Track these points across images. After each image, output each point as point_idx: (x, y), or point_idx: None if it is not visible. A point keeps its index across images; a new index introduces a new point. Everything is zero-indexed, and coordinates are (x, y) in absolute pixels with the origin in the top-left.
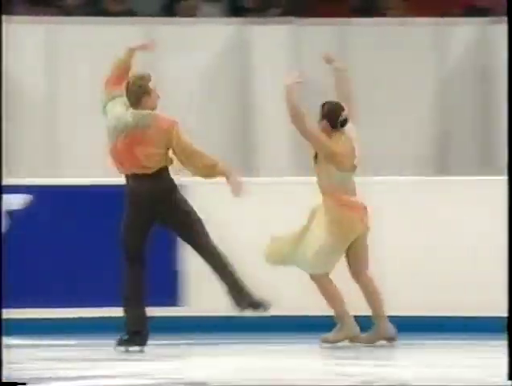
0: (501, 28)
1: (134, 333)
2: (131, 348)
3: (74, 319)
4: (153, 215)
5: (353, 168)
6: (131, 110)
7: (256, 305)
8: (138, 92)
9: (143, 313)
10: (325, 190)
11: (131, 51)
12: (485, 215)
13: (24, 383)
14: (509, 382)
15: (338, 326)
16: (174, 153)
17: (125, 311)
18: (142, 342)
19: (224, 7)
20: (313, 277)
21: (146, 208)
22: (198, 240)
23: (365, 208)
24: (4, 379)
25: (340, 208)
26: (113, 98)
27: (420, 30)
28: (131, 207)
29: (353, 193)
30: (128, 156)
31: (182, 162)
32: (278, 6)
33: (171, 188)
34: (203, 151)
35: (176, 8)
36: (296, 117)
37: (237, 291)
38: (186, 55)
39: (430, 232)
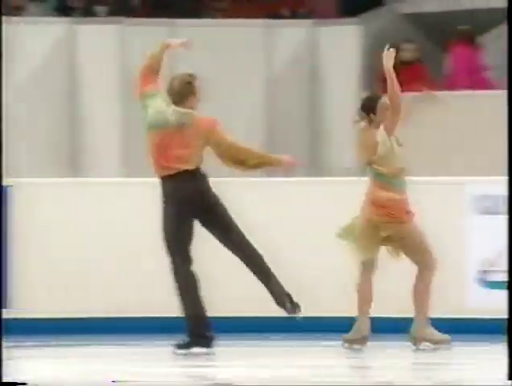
0: (327, 30)
1: (201, 335)
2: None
3: None
4: (194, 214)
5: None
6: (173, 107)
7: (293, 306)
8: (185, 91)
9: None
10: None
11: (165, 47)
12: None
13: (24, 384)
14: (510, 382)
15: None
16: (215, 150)
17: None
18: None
19: (50, 7)
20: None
21: (187, 207)
22: (234, 238)
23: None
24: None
25: None
26: (153, 95)
27: (248, 30)
28: (173, 207)
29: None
30: (166, 154)
31: (225, 159)
32: (105, 5)
33: (208, 188)
34: (243, 145)
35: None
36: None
37: (274, 289)
38: (15, 54)
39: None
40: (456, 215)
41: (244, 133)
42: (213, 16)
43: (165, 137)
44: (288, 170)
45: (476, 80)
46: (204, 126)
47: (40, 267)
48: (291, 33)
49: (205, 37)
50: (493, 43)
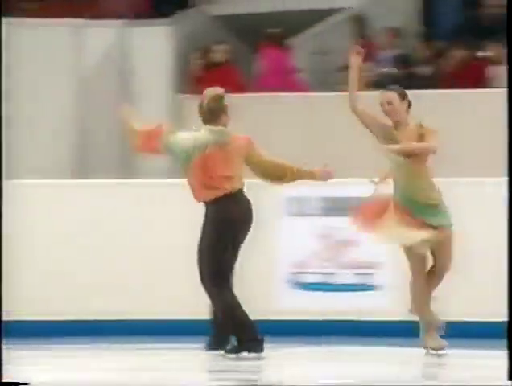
0: (138, 31)
1: (253, 340)
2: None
3: None
4: (236, 234)
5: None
6: (205, 128)
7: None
8: (217, 109)
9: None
10: None
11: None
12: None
13: (26, 384)
14: (510, 382)
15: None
16: (253, 168)
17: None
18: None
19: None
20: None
21: (232, 229)
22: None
23: None
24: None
25: None
26: (171, 136)
27: (57, 30)
28: (219, 229)
29: None
30: (210, 174)
31: (263, 176)
32: None
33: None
34: (279, 161)
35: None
36: None
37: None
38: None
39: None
40: (269, 216)
41: (53, 133)
42: (21, 16)
43: (207, 159)
44: (326, 180)
45: (285, 81)
46: (243, 144)
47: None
48: (101, 33)
49: (12, 37)
50: (303, 45)
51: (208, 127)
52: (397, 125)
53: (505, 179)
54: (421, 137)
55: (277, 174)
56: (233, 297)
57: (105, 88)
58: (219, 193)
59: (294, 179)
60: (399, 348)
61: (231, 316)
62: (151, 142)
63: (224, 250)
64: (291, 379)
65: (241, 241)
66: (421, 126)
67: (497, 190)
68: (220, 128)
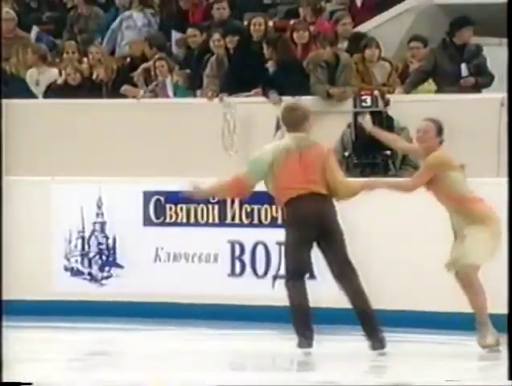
0: None
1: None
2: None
3: None
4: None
5: None
6: (290, 134)
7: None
8: (300, 117)
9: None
10: None
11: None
12: None
13: (30, 383)
14: (510, 382)
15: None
16: (326, 176)
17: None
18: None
19: None
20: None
21: (312, 228)
22: (339, 255)
23: None
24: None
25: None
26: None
27: None
28: (298, 227)
29: None
30: (293, 178)
31: (330, 191)
32: None
33: (329, 210)
34: (346, 180)
35: None
36: None
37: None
38: None
39: None
40: None
41: None
42: None
43: (290, 163)
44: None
45: None
46: (322, 150)
47: None
48: None
49: None
50: None
51: (291, 134)
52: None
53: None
54: None
55: (343, 194)
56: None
57: None
58: (300, 192)
59: (352, 195)
60: None
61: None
62: (237, 191)
63: (293, 247)
64: None
65: (311, 238)
66: None
67: None
68: (300, 135)
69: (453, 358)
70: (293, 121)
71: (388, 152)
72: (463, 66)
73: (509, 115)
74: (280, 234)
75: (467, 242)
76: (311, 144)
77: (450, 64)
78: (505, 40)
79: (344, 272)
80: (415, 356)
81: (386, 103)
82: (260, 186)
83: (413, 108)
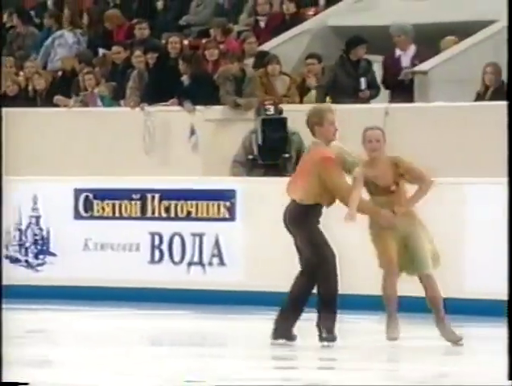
0: None
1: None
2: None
3: None
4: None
5: None
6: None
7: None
8: (310, 122)
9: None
10: None
11: None
12: None
13: (26, 383)
14: (509, 382)
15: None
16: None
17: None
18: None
19: None
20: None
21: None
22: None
23: None
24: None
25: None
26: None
27: None
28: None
29: None
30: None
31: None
32: None
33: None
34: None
35: None
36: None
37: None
38: None
39: None
40: None
41: None
42: None
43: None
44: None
45: None
46: (316, 158)
47: None
48: None
49: None
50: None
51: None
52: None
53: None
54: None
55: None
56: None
57: None
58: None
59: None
60: None
61: None
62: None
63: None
64: None
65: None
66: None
67: None
68: (314, 139)
69: (454, 357)
70: (308, 125)
71: (287, 155)
72: (362, 80)
73: (509, 113)
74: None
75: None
76: (312, 149)
77: (347, 78)
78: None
79: (307, 271)
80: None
81: (280, 112)
82: (178, 184)
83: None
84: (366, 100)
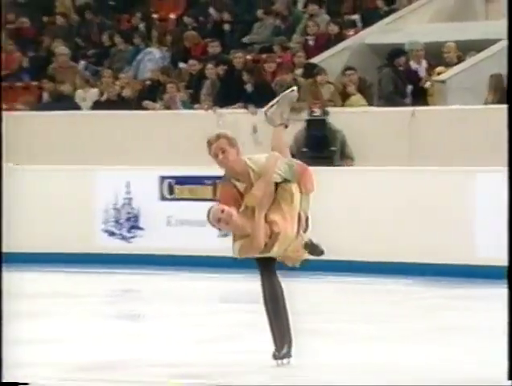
0: None
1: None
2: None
3: None
4: None
5: None
6: None
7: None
8: None
9: None
10: None
11: None
12: None
13: (26, 383)
14: (510, 382)
15: None
16: None
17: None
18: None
19: None
20: None
21: None
22: None
23: None
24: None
25: None
26: None
27: None
28: None
29: None
30: None
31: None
32: None
33: None
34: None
35: None
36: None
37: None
38: None
39: None
40: None
41: None
42: None
43: None
44: None
45: None
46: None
47: None
48: None
49: None
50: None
51: None
52: None
53: None
54: None
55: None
56: None
57: None
58: None
59: None
60: None
61: None
62: None
63: None
64: None
65: None
66: None
67: None
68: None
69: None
70: None
71: (333, 148)
72: (409, 87)
73: (509, 113)
74: None
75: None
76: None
77: (389, 84)
78: None
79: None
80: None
81: (326, 114)
82: None
83: (347, 117)
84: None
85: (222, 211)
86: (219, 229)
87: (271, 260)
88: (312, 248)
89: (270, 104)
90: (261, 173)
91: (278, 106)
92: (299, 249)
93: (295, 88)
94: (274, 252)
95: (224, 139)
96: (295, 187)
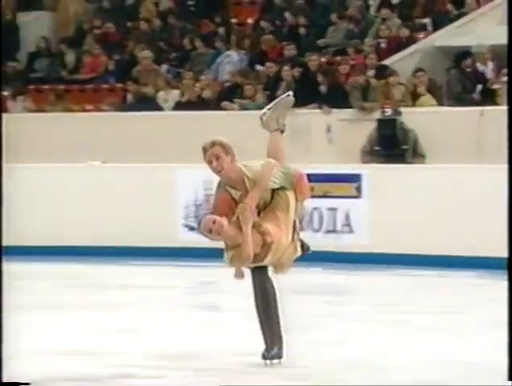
0: None
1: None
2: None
3: None
4: None
5: None
6: None
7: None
8: None
9: None
10: None
11: None
12: None
13: (28, 383)
14: (510, 382)
15: None
16: None
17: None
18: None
19: None
20: None
21: None
22: None
23: None
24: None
25: None
26: None
27: None
28: None
29: None
30: None
31: None
32: None
33: None
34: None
35: None
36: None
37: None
38: None
39: None
40: None
41: None
42: None
43: None
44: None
45: None
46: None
47: None
48: None
49: None
50: None
51: None
52: None
53: None
54: None
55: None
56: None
57: None
58: None
59: None
60: None
61: None
62: None
63: None
64: None
65: None
66: None
67: None
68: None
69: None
70: None
71: (405, 146)
72: (478, 86)
73: (509, 113)
74: None
75: None
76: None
77: (458, 84)
78: None
79: None
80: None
81: (398, 113)
82: (317, 169)
83: (418, 117)
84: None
85: (214, 222)
86: (211, 239)
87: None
88: (300, 244)
89: (266, 108)
90: (256, 180)
91: (274, 111)
92: (292, 256)
93: (290, 92)
94: (268, 261)
95: (218, 146)
96: (291, 195)
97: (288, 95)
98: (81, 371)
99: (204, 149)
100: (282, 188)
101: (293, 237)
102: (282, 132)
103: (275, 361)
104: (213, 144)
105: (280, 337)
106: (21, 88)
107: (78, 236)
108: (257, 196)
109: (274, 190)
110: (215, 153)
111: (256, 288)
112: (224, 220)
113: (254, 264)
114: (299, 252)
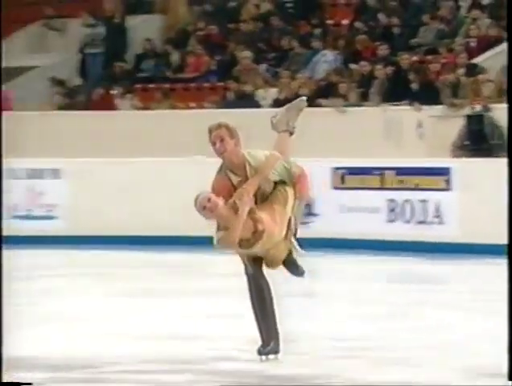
0: None
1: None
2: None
3: None
4: None
5: None
6: None
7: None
8: None
9: None
10: None
11: None
12: None
13: (30, 384)
14: (510, 382)
15: None
16: None
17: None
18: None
19: None
20: None
21: None
22: None
23: None
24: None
25: None
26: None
27: None
28: None
29: None
30: None
31: None
32: None
33: None
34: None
35: None
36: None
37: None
38: None
39: None
40: None
41: None
42: None
43: None
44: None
45: None
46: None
47: None
48: None
49: None
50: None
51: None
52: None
53: None
54: None
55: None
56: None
57: None
58: None
59: None
60: None
61: None
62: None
63: None
64: None
65: None
66: None
67: None
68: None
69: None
70: None
71: (493, 142)
72: None
73: (509, 113)
74: None
75: None
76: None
77: None
78: None
79: None
80: None
81: (488, 110)
82: (408, 163)
83: (506, 113)
84: None
85: (209, 200)
86: (204, 217)
87: (257, 258)
88: (294, 267)
89: (278, 111)
90: (257, 168)
91: (285, 113)
92: (283, 253)
93: (304, 97)
94: (257, 248)
95: (224, 128)
96: (291, 192)
97: (301, 100)
98: (188, 353)
99: (210, 131)
100: (283, 183)
101: (287, 235)
102: (291, 134)
103: (271, 356)
104: (219, 126)
105: (276, 332)
106: (129, 87)
107: (186, 225)
108: (256, 184)
109: (275, 184)
110: (220, 134)
111: (251, 284)
112: (219, 200)
113: (242, 250)
114: (294, 254)
